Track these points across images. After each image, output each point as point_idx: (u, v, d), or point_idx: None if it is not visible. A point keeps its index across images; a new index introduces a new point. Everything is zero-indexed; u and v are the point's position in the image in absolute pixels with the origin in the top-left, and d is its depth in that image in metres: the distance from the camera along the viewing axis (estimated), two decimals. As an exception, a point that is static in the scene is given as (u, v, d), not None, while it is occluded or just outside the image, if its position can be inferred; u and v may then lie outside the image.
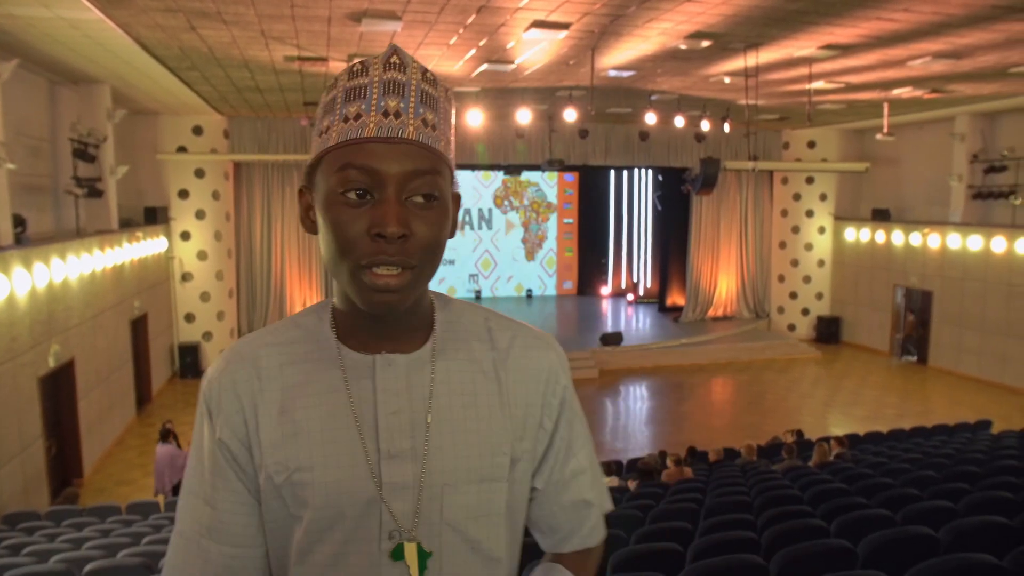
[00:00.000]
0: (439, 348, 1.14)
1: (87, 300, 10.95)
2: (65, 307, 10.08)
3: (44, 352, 9.39)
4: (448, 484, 1.09)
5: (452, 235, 1.13)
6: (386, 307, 1.04)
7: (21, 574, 4.79)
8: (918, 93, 13.15)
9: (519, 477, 1.17)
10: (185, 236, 16.33)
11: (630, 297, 24.11)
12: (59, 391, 10.17)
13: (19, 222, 9.41)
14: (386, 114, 1.03)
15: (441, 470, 1.09)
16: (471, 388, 1.14)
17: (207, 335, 16.68)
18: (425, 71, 1.07)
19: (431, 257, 1.05)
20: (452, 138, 1.11)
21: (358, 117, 1.03)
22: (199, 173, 16.29)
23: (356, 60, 1.10)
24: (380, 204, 1.01)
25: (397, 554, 1.07)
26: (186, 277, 16.46)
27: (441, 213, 1.06)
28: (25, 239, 9.59)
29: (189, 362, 16.18)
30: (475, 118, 13.39)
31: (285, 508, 1.09)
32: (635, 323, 21.33)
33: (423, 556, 1.08)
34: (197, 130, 16.17)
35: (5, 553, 5.70)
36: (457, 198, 1.14)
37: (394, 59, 1.06)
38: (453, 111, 1.13)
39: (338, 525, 1.08)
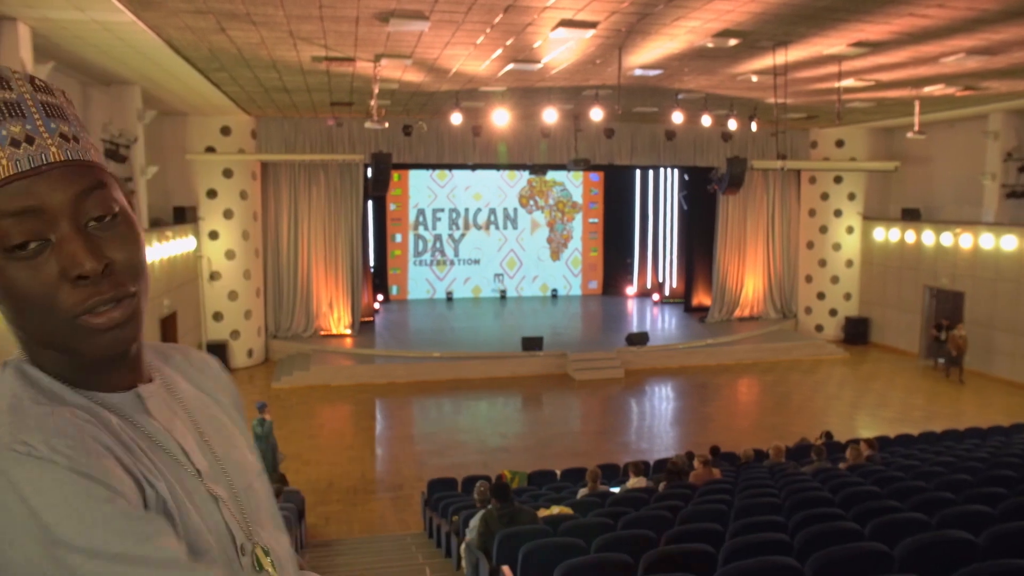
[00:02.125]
0: (159, 373, 1.08)
1: (118, 299, 11.09)
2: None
3: None
4: (247, 487, 1.08)
5: None
6: (120, 344, 0.93)
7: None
8: (950, 90, 12.96)
9: None
10: (213, 235, 16.49)
11: (655, 297, 24.00)
12: (91, 388, 10.29)
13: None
14: (16, 143, 0.86)
15: (236, 476, 1.07)
16: (206, 403, 1.13)
17: (235, 334, 16.83)
18: (33, 79, 0.92)
19: (142, 278, 0.95)
20: (94, 139, 0.98)
21: None
22: (227, 173, 16.45)
23: None
24: (61, 244, 0.87)
25: (258, 566, 1.02)
26: (214, 276, 16.63)
27: (127, 228, 0.94)
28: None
29: (217, 360, 16.33)
30: (501, 118, 13.39)
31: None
32: (660, 323, 21.23)
33: (268, 555, 1.05)
34: (225, 130, 16.32)
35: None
36: (129, 193, 1.03)
37: None
38: (73, 107, 0.98)
39: (221, 555, 0.97)
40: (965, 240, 16.33)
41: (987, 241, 15.78)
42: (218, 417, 1.13)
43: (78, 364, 0.95)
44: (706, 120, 13.31)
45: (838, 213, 19.86)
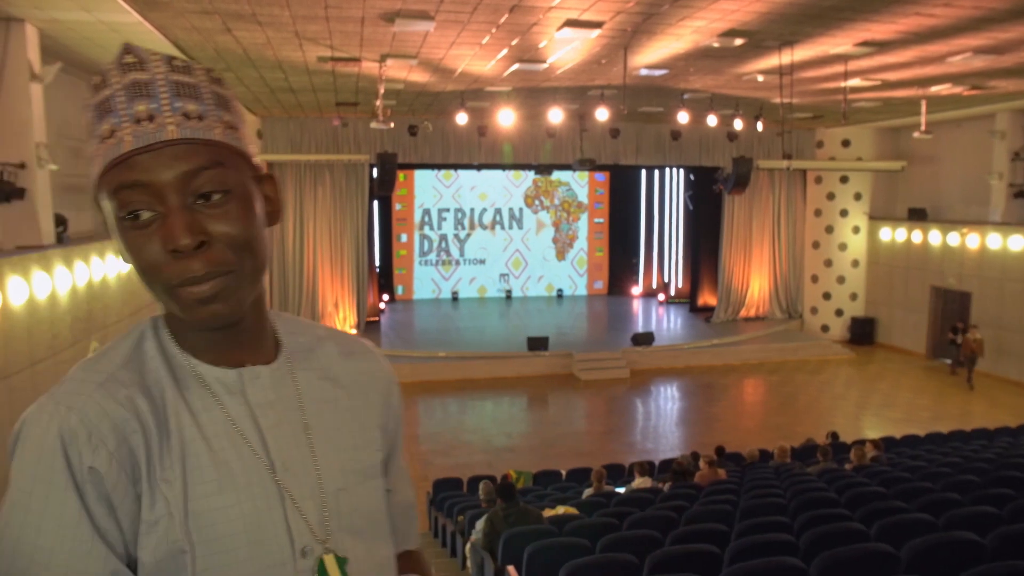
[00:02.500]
0: (290, 358, 1.11)
1: (125, 298, 11.12)
2: (104, 305, 10.25)
3: (84, 349, 9.54)
4: (341, 489, 1.06)
5: (274, 221, 1.06)
6: (215, 318, 0.96)
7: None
8: (957, 90, 12.92)
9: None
10: (219, 235, 16.53)
11: (661, 297, 23.98)
12: (97, 388, 10.32)
13: (60, 221, 9.58)
14: (138, 121, 0.93)
15: (332, 476, 1.06)
16: (332, 395, 1.12)
17: (240, 333, 16.86)
18: (172, 59, 0.97)
19: (247, 256, 0.97)
20: (236, 120, 1.01)
21: (113, 134, 0.93)
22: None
23: (95, 73, 0.99)
24: (165, 218, 0.92)
25: (321, 570, 1.00)
26: (220, 276, 16.66)
27: (239, 207, 0.96)
28: (66, 238, 9.76)
29: (223, 360, 16.35)
30: (506, 118, 13.39)
31: (174, 545, 0.94)
32: (666, 323, 21.21)
33: (342, 564, 1.02)
34: (231, 130, 16.34)
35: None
36: (268, 179, 1.05)
37: (128, 58, 0.96)
38: (226, 90, 1.01)
39: (247, 552, 0.97)
40: (972, 240, 16.28)
41: (994, 241, 15.73)
42: (340, 414, 1.12)
43: (189, 330, 1.03)
44: (712, 120, 13.30)
45: (844, 213, 19.82)
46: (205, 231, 0.93)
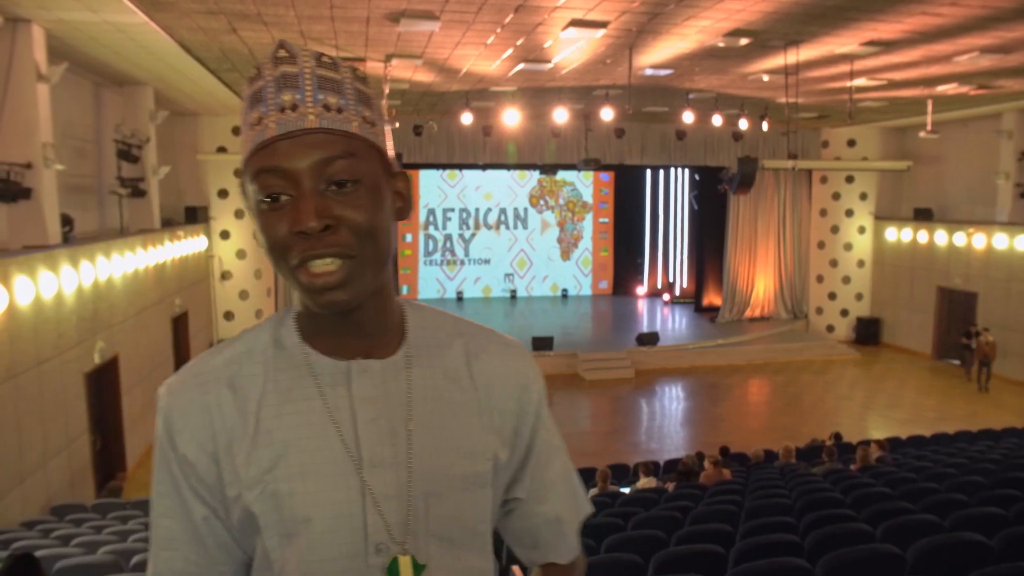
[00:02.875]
0: (413, 354, 1.10)
1: (130, 298, 11.16)
2: (109, 305, 10.28)
3: (90, 349, 9.58)
4: (433, 493, 1.05)
5: (403, 216, 1.09)
6: (334, 304, 1.00)
7: (72, 564, 4.90)
8: (963, 89, 12.88)
9: (499, 484, 1.15)
10: (224, 235, 16.57)
11: (666, 297, 23.96)
12: (104, 387, 10.37)
13: (66, 221, 9.61)
14: (283, 110, 0.99)
15: (426, 478, 1.05)
16: (448, 395, 1.10)
17: (246, 333, 16.87)
18: (320, 56, 1.03)
19: (369, 243, 1.00)
20: (375, 116, 1.05)
21: (260, 121, 1.01)
22: (238, 173, 16.47)
23: (253, 66, 1.07)
24: (296, 201, 0.98)
25: (392, 570, 1.02)
26: (225, 275, 16.70)
27: (368, 196, 1.00)
28: (72, 238, 9.79)
29: (228, 359, 16.37)
30: (511, 118, 13.39)
31: (256, 523, 1.04)
32: (671, 323, 21.19)
33: (417, 569, 1.03)
34: (236, 130, 16.33)
35: (55, 543, 5.83)
36: (401, 176, 1.09)
37: (281, 53, 1.03)
38: (369, 88, 1.06)
39: (319, 539, 1.02)
40: (978, 240, 16.22)
41: (1001, 241, 15.67)
42: (451, 416, 1.09)
43: (312, 319, 1.08)
44: (717, 120, 13.28)
45: (850, 213, 19.77)
46: (332, 216, 0.98)
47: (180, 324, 14.15)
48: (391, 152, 1.08)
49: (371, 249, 1.01)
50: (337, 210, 0.98)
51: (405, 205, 1.09)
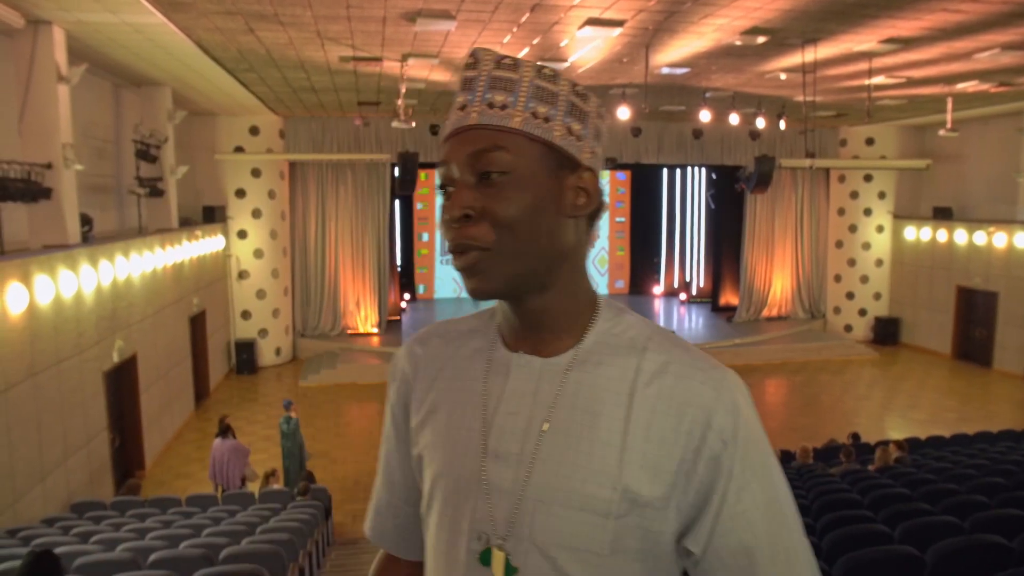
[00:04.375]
0: (580, 358, 1.07)
1: (148, 297, 11.25)
2: (128, 304, 10.37)
3: (108, 347, 9.66)
4: (541, 501, 1.01)
5: (584, 211, 1.07)
6: (471, 292, 1.07)
7: (92, 561, 4.94)
8: (984, 87, 12.74)
9: (646, 524, 1.01)
10: (242, 235, 16.66)
11: (682, 297, 23.86)
12: (122, 385, 10.46)
13: (86, 221, 9.70)
14: (459, 110, 1.08)
15: (540, 485, 1.02)
16: (596, 407, 1.03)
17: (263, 332, 16.99)
18: (502, 59, 1.08)
19: (508, 235, 1.02)
20: (552, 110, 1.05)
21: (447, 121, 1.11)
22: (255, 173, 16.59)
23: (469, 55, 1.14)
24: (453, 192, 1.06)
25: (485, 558, 1.04)
26: (243, 275, 16.79)
27: (515, 189, 1.03)
28: (91, 238, 9.89)
29: (245, 358, 16.49)
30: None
31: (418, 472, 1.19)
32: (687, 323, 21.10)
33: (510, 570, 1.02)
34: (253, 130, 16.48)
35: (75, 540, 5.88)
36: (587, 172, 1.07)
37: (468, 60, 1.10)
38: (558, 87, 1.07)
39: (443, 509, 1.10)
40: (999, 239, 16.05)
41: (1022, 240, 15.50)
42: (592, 430, 1.02)
43: (502, 308, 1.15)
44: (734, 118, 13.21)
45: (868, 212, 19.61)
46: (474, 207, 1.03)
47: (198, 323, 14.25)
48: (582, 150, 1.07)
49: (509, 242, 1.03)
50: (480, 202, 1.03)
51: (588, 203, 1.08)
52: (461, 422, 1.11)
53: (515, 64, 1.07)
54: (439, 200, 1.15)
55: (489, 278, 1.04)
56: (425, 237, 23.88)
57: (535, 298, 1.08)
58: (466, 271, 1.05)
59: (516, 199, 1.02)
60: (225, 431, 9.42)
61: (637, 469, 1.00)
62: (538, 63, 1.09)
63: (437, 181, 1.12)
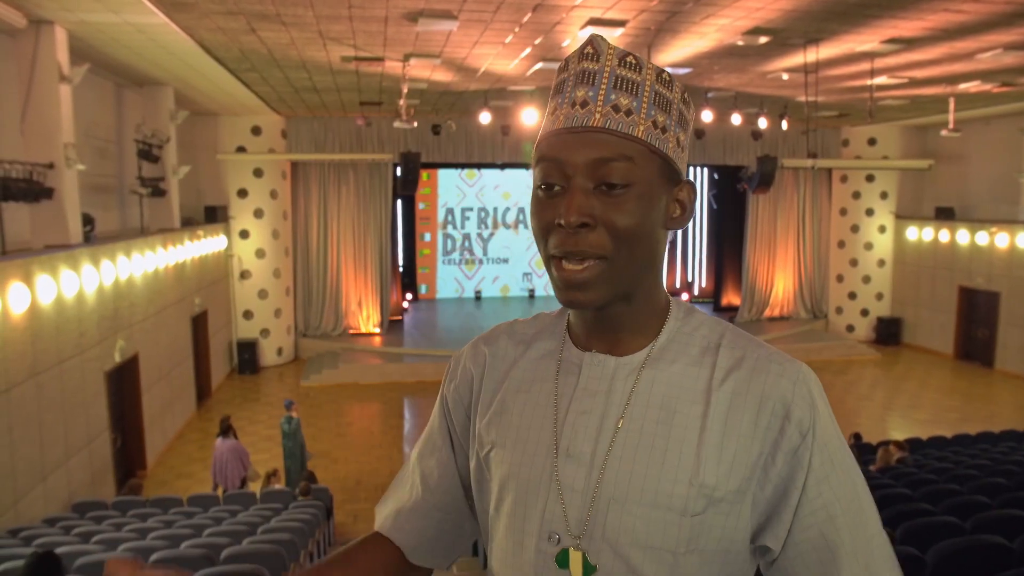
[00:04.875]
0: (654, 357, 1.07)
1: (150, 297, 11.26)
2: (130, 304, 10.38)
3: (110, 347, 9.67)
4: (615, 499, 1.00)
5: (677, 226, 1.07)
6: (575, 303, 1.03)
7: (92, 561, 4.95)
8: (987, 87, 12.73)
9: (722, 521, 0.99)
10: (244, 234, 16.67)
11: (685, 297, 23.83)
12: (124, 385, 10.47)
13: (88, 221, 9.72)
14: (574, 104, 1.02)
15: (614, 483, 1.01)
16: (672, 405, 1.03)
17: (265, 332, 17.00)
18: (625, 56, 1.03)
19: (625, 247, 1.00)
20: (670, 122, 1.04)
21: (554, 111, 1.05)
22: (258, 172, 16.60)
23: (562, 60, 1.10)
24: (566, 194, 1.01)
25: (562, 560, 1.02)
26: (245, 275, 16.80)
27: (635, 201, 1.00)
28: (93, 238, 9.90)
29: (247, 358, 16.50)
30: (530, 117, 13.37)
31: (485, 474, 1.15)
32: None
33: (588, 569, 1.00)
34: (256, 130, 16.49)
35: (76, 540, 5.89)
36: (687, 186, 1.08)
37: (588, 49, 1.04)
38: (673, 94, 1.06)
39: (514, 510, 1.08)
40: (1001, 239, 16.03)
41: (1024, 240, 15.49)
42: (667, 427, 1.01)
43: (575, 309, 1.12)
44: (736, 119, 13.21)
45: (870, 212, 19.59)
46: (593, 215, 1.00)
47: (199, 323, 14.27)
48: (683, 163, 1.08)
49: (626, 253, 1.01)
50: (600, 210, 1.00)
51: (683, 216, 1.08)
52: (532, 422, 1.10)
53: (638, 64, 1.04)
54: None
55: (600, 291, 1.02)
56: (427, 237, 23.89)
57: (621, 304, 1.06)
58: (576, 281, 1.00)
59: (636, 211, 1.00)
60: (226, 431, 9.42)
61: (715, 465, 0.99)
62: (657, 66, 1.06)
63: (535, 178, 1.06)
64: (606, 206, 0.99)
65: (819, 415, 1.01)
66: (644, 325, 1.09)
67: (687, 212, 1.08)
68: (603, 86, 1.01)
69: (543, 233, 1.03)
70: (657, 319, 1.10)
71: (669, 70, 8.45)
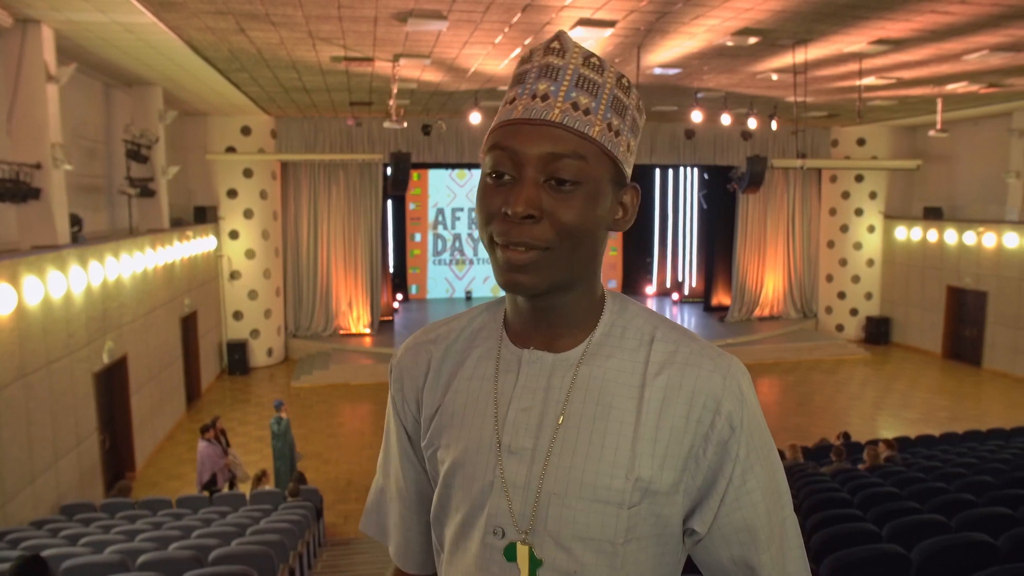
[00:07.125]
0: (591, 352, 1.09)
1: (139, 298, 11.21)
2: (119, 304, 10.33)
3: (99, 348, 9.63)
4: (556, 494, 1.04)
5: (619, 228, 1.10)
6: (515, 285, 1.04)
7: (80, 564, 4.92)
8: (974, 88, 12.81)
9: (657, 510, 1.04)
10: (233, 235, 16.62)
11: (675, 296, 23.90)
12: (113, 386, 10.43)
13: (75, 221, 9.67)
14: (535, 97, 1.03)
15: (554, 478, 1.04)
16: (608, 400, 1.06)
17: (255, 332, 16.96)
18: (589, 57, 1.05)
19: (567, 242, 1.02)
20: (623, 126, 1.07)
21: (513, 101, 1.05)
22: (247, 173, 16.55)
23: (527, 49, 1.11)
24: (515, 184, 1.02)
25: (510, 554, 1.05)
26: (234, 275, 16.75)
27: (584, 199, 1.02)
28: (81, 238, 9.85)
29: (237, 359, 16.45)
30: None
31: (433, 471, 1.17)
32: (680, 322, 20.98)
33: (534, 563, 1.04)
34: (245, 130, 16.44)
35: (63, 543, 5.86)
36: (632, 189, 1.11)
37: (554, 44, 1.05)
38: (629, 99, 1.08)
39: (459, 507, 1.11)
40: (989, 239, 16.13)
41: (1011, 240, 15.58)
42: (604, 422, 1.05)
43: (512, 303, 1.14)
44: (726, 119, 13.24)
45: (859, 212, 19.68)
46: (540, 209, 1.01)
47: (189, 324, 14.22)
48: (629, 167, 1.10)
49: (568, 248, 1.03)
50: (547, 204, 1.01)
51: (625, 218, 1.11)
52: (474, 420, 1.11)
53: (601, 66, 1.06)
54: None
55: (540, 276, 1.03)
56: (417, 237, 23.87)
57: (560, 296, 1.08)
58: (516, 263, 1.02)
59: (582, 209, 1.02)
60: (204, 430, 9.33)
61: (649, 459, 1.03)
62: (618, 71, 1.08)
63: (487, 165, 1.05)
64: (554, 201, 1.01)
65: (747, 408, 1.07)
66: (581, 319, 1.11)
67: (629, 215, 1.11)
68: (565, 82, 1.03)
69: (486, 219, 1.04)
70: (594, 313, 1.12)
71: (658, 70, 8.42)
